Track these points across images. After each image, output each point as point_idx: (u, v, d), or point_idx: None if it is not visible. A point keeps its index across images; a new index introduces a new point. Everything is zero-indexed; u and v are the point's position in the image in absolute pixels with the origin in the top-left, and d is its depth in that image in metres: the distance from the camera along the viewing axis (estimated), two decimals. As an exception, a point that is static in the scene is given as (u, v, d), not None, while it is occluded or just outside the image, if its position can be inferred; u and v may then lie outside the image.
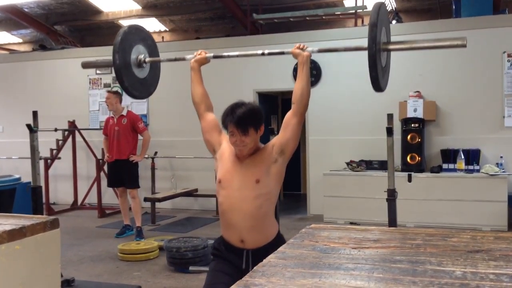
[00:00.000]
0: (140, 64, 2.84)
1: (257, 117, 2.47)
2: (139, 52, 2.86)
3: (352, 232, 1.84)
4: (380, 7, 2.40)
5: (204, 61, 2.81)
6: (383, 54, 2.49)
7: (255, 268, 1.38)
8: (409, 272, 1.31)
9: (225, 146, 2.56)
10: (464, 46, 2.39)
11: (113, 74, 8.73)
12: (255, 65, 7.74)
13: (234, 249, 2.49)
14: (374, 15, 2.35)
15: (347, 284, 1.23)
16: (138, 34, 2.94)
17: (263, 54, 2.71)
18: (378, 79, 2.39)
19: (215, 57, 2.78)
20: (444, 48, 2.55)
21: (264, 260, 1.45)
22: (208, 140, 2.63)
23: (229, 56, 2.77)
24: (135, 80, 2.82)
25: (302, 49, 2.60)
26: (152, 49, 3.02)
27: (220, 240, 2.58)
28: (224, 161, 2.53)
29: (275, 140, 2.52)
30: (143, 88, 2.92)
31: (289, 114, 2.53)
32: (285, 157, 2.51)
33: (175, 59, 3.04)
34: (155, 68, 3.06)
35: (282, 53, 2.71)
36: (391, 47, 2.57)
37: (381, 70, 2.44)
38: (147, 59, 2.89)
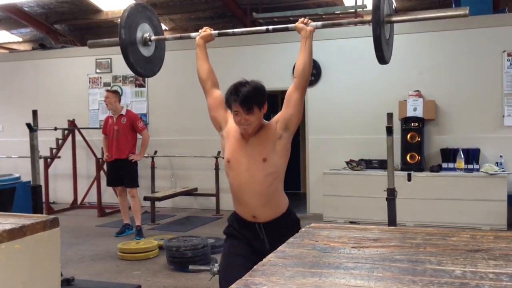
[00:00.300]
0: (145, 42, 2.87)
1: (261, 95, 2.48)
2: (144, 31, 2.88)
3: (352, 231, 1.84)
4: None
5: (209, 38, 2.80)
6: (387, 26, 2.52)
7: (255, 267, 1.38)
8: (409, 271, 1.31)
9: (231, 124, 2.57)
10: (466, 15, 2.40)
11: (113, 73, 8.76)
12: (255, 65, 7.74)
13: (246, 224, 2.55)
14: None
15: (347, 283, 1.23)
16: (145, 13, 2.96)
17: (267, 30, 2.72)
18: (383, 51, 2.42)
19: (220, 34, 2.79)
20: (447, 18, 2.57)
21: (264, 259, 1.45)
22: (215, 117, 2.64)
23: (234, 34, 2.79)
24: (140, 57, 2.85)
25: (306, 24, 2.61)
26: (158, 29, 3.04)
27: (233, 216, 2.64)
28: (230, 140, 2.54)
29: (278, 116, 2.52)
30: (147, 66, 2.95)
31: (290, 89, 2.53)
32: (290, 133, 2.52)
33: (181, 37, 3.08)
34: (160, 48, 3.07)
35: (286, 28, 2.70)
36: (394, 18, 2.59)
37: (385, 42, 2.47)
38: (153, 37, 2.91)
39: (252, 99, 2.40)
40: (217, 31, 2.80)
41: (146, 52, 2.90)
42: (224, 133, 2.59)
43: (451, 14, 2.56)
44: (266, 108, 2.52)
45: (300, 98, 2.51)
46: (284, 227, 2.50)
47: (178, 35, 3.11)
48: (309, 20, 2.61)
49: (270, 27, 2.73)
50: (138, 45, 2.82)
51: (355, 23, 2.81)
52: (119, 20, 2.76)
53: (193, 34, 2.84)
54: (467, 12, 2.40)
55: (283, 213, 2.56)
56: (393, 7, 8.61)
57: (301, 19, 2.63)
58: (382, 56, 2.46)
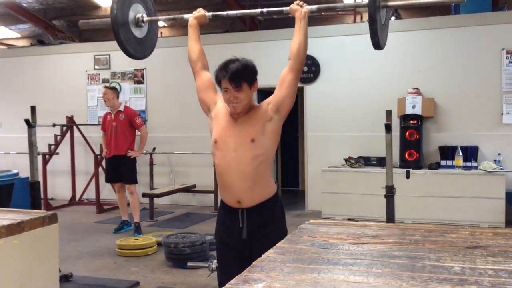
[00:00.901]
0: (138, 23, 2.81)
1: (251, 72, 2.47)
2: (137, 11, 2.83)
3: (351, 228, 1.84)
4: None
5: (203, 19, 2.77)
6: (383, 11, 2.51)
7: (253, 263, 1.38)
8: (407, 268, 1.32)
9: (220, 105, 2.55)
10: (463, 1, 2.45)
11: (112, 70, 8.74)
12: (254, 62, 7.72)
13: (232, 210, 2.51)
14: None
15: (346, 279, 1.23)
16: None
17: (262, 13, 2.71)
18: (378, 36, 2.40)
19: (213, 16, 2.75)
20: (445, 4, 2.57)
21: (263, 255, 1.45)
22: (203, 99, 2.62)
23: (228, 16, 2.76)
24: (131, 36, 2.78)
25: (301, 6, 2.60)
26: (151, 13, 3.00)
27: (221, 203, 2.63)
28: (219, 121, 2.51)
29: (270, 98, 2.51)
30: (138, 47, 2.88)
31: (284, 71, 2.53)
32: (281, 116, 2.49)
33: (174, 18, 3.05)
34: (152, 32, 3.03)
35: (281, 11, 2.68)
36: (390, 3, 2.57)
37: (381, 27, 2.45)
38: (146, 18, 2.86)
39: (241, 75, 2.40)
40: (210, 13, 2.75)
41: (138, 33, 2.85)
42: (213, 114, 2.56)
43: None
44: (257, 86, 2.52)
45: (294, 80, 2.49)
46: (267, 213, 2.48)
47: (171, 16, 3.06)
48: (305, 4, 2.59)
49: (265, 9, 2.70)
50: (130, 24, 2.77)
51: (353, 8, 2.78)
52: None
53: (186, 16, 2.80)
54: None
55: (269, 198, 2.50)
56: None
57: (297, 1, 2.61)
58: (378, 41, 2.44)
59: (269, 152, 2.49)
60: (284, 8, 2.66)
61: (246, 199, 2.46)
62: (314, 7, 2.65)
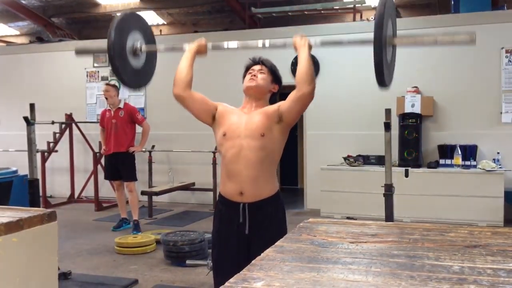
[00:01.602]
0: (135, 52, 2.74)
1: (277, 72, 2.67)
2: (136, 39, 2.75)
3: (350, 226, 1.84)
4: (386, 1, 2.31)
5: (204, 50, 2.71)
6: (389, 49, 2.40)
7: (253, 262, 1.38)
8: (407, 267, 1.32)
9: (224, 107, 2.60)
10: (473, 41, 2.27)
11: (111, 67, 8.73)
12: (253, 59, 7.72)
13: (231, 204, 2.50)
14: (380, 7, 2.25)
15: (345, 278, 1.23)
16: (139, 22, 2.83)
17: (263, 46, 2.64)
18: (384, 75, 2.30)
19: (213, 47, 2.70)
20: (455, 45, 2.45)
21: (262, 254, 1.45)
22: (204, 109, 2.58)
23: (228, 47, 2.69)
24: (127, 64, 2.69)
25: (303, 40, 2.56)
26: (151, 43, 2.90)
27: (219, 199, 2.62)
28: (227, 117, 2.54)
29: (281, 102, 2.53)
30: (133, 77, 2.74)
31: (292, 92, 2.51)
32: (284, 124, 2.50)
33: (173, 49, 2.92)
34: (150, 63, 2.92)
35: (283, 45, 2.65)
36: (397, 41, 2.48)
37: (387, 65, 2.35)
38: (144, 47, 2.78)
39: (269, 64, 2.63)
40: (211, 43, 2.70)
41: (135, 62, 2.73)
42: (217, 115, 2.56)
43: (457, 39, 2.42)
44: (276, 89, 2.65)
45: (297, 98, 2.43)
46: (268, 210, 2.49)
47: (170, 46, 2.98)
48: (308, 39, 2.54)
49: (267, 42, 2.62)
50: (127, 52, 2.67)
51: (357, 44, 2.69)
52: (111, 24, 2.61)
53: (185, 46, 2.73)
54: (474, 38, 2.27)
55: (270, 195, 2.51)
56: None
57: (299, 35, 2.57)
58: (383, 80, 2.33)
59: (276, 152, 2.52)
60: (287, 40, 2.59)
61: (249, 190, 2.45)
62: (318, 40, 2.60)
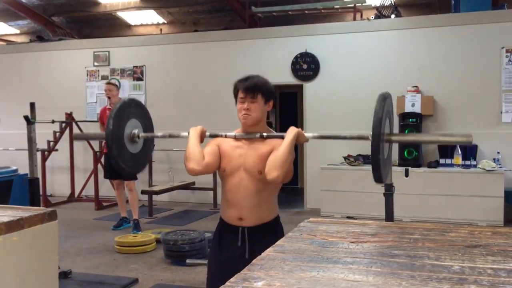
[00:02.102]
0: (133, 138, 2.73)
1: (269, 89, 2.53)
2: (134, 127, 2.76)
3: (350, 226, 1.84)
4: (386, 98, 2.35)
5: (203, 136, 2.63)
6: (386, 145, 2.45)
7: (253, 261, 1.38)
8: (407, 267, 1.32)
9: (222, 144, 2.56)
10: (469, 143, 2.32)
11: (111, 66, 8.73)
12: (253, 60, 7.72)
13: (231, 228, 2.51)
14: (379, 108, 2.29)
15: (345, 278, 1.23)
16: (137, 109, 2.85)
17: (261, 136, 2.51)
18: (380, 171, 2.32)
19: (211, 136, 2.62)
20: (449, 144, 2.45)
21: (262, 254, 1.45)
22: (217, 162, 2.54)
23: (226, 136, 2.57)
24: (125, 151, 2.70)
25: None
26: (148, 128, 2.92)
27: (219, 222, 2.62)
28: (227, 155, 2.52)
29: (276, 144, 2.46)
30: (131, 162, 2.77)
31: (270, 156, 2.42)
32: None
33: (170, 136, 2.90)
34: (147, 147, 2.94)
35: (280, 137, 2.50)
36: (394, 138, 2.53)
37: (383, 161, 2.38)
38: (141, 134, 2.77)
39: (259, 87, 2.47)
40: (209, 133, 2.62)
41: (133, 148, 2.76)
42: (221, 152, 2.54)
43: (454, 140, 2.44)
44: (271, 106, 2.56)
45: (267, 179, 2.37)
46: (268, 234, 2.45)
47: (168, 133, 2.95)
48: (301, 131, 2.50)
49: (265, 134, 2.51)
50: (125, 139, 2.70)
51: (354, 138, 2.65)
52: (110, 112, 2.63)
53: (183, 133, 2.71)
54: (471, 140, 2.30)
55: (270, 220, 2.53)
56: (392, 2, 8.55)
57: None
58: (379, 177, 2.35)
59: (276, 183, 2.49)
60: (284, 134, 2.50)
61: (249, 217, 2.47)
62: (316, 134, 2.62)
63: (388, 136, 2.45)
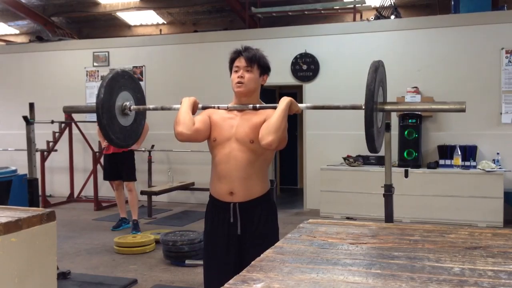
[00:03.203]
0: (124, 111, 2.70)
1: (265, 62, 2.54)
2: (125, 99, 2.72)
3: (350, 227, 1.83)
4: (378, 66, 2.36)
5: (196, 107, 2.58)
6: (379, 114, 2.45)
7: (252, 263, 1.37)
8: (407, 268, 1.31)
9: (213, 114, 2.54)
10: (463, 110, 2.32)
11: (110, 67, 8.72)
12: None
13: (222, 205, 2.51)
14: (371, 76, 2.30)
15: (345, 279, 1.23)
16: (130, 82, 2.82)
17: (254, 108, 2.51)
18: (374, 140, 2.34)
19: (203, 107, 2.61)
20: (442, 111, 2.45)
21: (261, 255, 1.44)
22: (207, 130, 2.52)
23: (219, 108, 2.56)
24: (115, 122, 2.67)
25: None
26: (140, 102, 2.88)
27: (209, 200, 2.63)
28: (218, 125, 2.50)
29: (268, 114, 2.44)
30: (121, 134, 2.74)
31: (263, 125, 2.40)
32: None
33: (162, 108, 2.86)
34: (138, 122, 2.90)
35: (274, 107, 2.48)
36: (387, 107, 2.52)
37: (377, 131, 2.39)
38: (133, 107, 2.74)
39: (256, 57, 2.48)
40: (201, 105, 2.61)
41: (123, 121, 2.73)
42: (212, 122, 2.51)
43: (447, 108, 2.46)
44: (265, 81, 2.57)
45: (262, 145, 2.36)
46: (259, 210, 2.48)
47: (159, 106, 2.92)
48: (293, 100, 2.46)
49: (257, 105, 2.50)
50: (116, 110, 2.66)
51: (348, 108, 2.66)
52: (101, 81, 2.59)
53: (175, 106, 2.67)
54: (464, 106, 2.31)
55: (261, 195, 2.50)
56: (392, 3, 8.54)
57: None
58: (374, 147, 2.38)
59: (268, 153, 2.49)
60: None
61: (239, 190, 2.45)
62: (310, 104, 2.64)
63: (381, 105, 2.44)
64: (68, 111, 3.12)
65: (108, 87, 2.60)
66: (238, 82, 2.48)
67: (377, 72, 2.32)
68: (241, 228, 2.46)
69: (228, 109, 2.54)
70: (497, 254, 1.44)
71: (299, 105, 2.49)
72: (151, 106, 2.90)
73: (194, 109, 2.56)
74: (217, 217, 2.55)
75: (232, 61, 2.53)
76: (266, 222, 2.50)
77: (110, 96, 2.62)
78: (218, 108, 2.56)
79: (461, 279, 1.22)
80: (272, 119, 2.35)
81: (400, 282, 1.20)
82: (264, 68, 2.53)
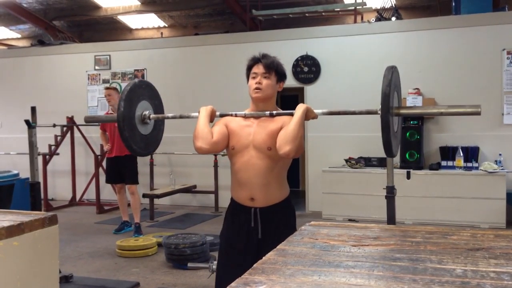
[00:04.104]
0: (144, 120, 2.77)
1: (282, 70, 2.59)
2: (144, 108, 2.79)
3: (352, 229, 1.83)
4: (393, 71, 2.35)
5: (213, 116, 2.62)
6: (395, 119, 2.45)
7: (254, 265, 1.37)
8: (409, 270, 1.31)
9: (230, 123, 2.56)
10: (478, 113, 2.29)
11: (112, 70, 8.74)
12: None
13: (243, 208, 2.54)
14: (387, 79, 2.30)
15: (347, 282, 1.23)
16: (147, 90, 2.89)
17: (271, 114, 2.52)
18: (391, 144, 2.31)
19: (221, 115, 2.63)
20: (457, 115, 2.43)
21: (264, 257, 1.44)
22: (225, 141, 2.55)
23: (236, 115, 2.56)
24: (136, 133, 2.74)
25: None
26: (158, 110, 2.95)
27: (230, 203, 2.64)
28: (236, 133, 2.53)
29: (285, 121, 2.46)
30: (142, 143, 2.80)
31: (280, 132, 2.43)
32: None
33: (180, 117, 2.92)
34: (158, 129, 2.97)
35: (290, 114, 2.49)
36: (403, 111, 2.52)
37: (393, 135, 2.37)
38: (152, 116, 2.81)
39: (274, 64, 2.53)
40: (219, 113, 2.63)
41: (143, 130, 2.79)
42: (229, 131, 2.54)
43: (462, 111, 2.44)
44: (282, 87, 2.61)
45: (279, 154, 2.38)
46: (280, 215, 2.52)
47: (178, 114, 2.97)
48: (309, 107, 2.48)
49: (274, 112, 2.52)
50: (136, 121, 2.73)
51: (363, 113, 2.67)
52: (120, 94, 2.65)
53: (193, 114, 2.73)
54: (479, 110, 2.28)
55: (281, 200, 2.55)
56: (393, 4, 8.54)
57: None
58: (390, 151, 2.35)
59: (285, 160, 2.52)
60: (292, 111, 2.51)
61: (260, 196, 2.49)
62: (326, 110, 2.62)
63: (397, 110, 2.44)
64: (89, 121, 3.16)
65: (127, 100, 2.66)
66: (256, 88, 2.51)
67: (392, 76, 2.32)
68: (262, 232, 2.50)
69: (246, 117, 2.56)
70: (499, 256, 1.44)
71: (315, 111, 2.51)
72: (170, 115, 2.95)
73: (212, 118, 2.60)
74: (237, 220, 2.57)
75: (249, 68, 2.58)
76: (285, 227, 2.52)
77: (130, 108, 2.69)
78: (236, 115, 2.58)
79: (463, 280, 1.22)
80: (289, 127, 2.37)
81: (402, 284, 1.20)
82: (281, 75, 2.58)
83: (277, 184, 2.53)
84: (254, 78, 2.52)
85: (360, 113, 2.66)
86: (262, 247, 2.47)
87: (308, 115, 2.45)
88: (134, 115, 2.71)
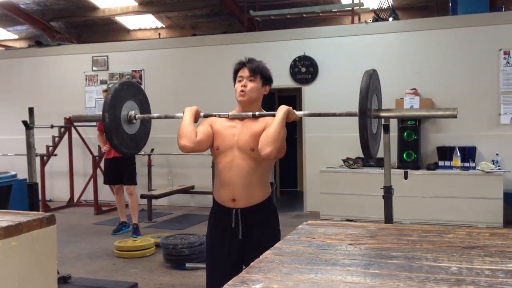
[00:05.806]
0: (130, 120, 2.80)
1: (268, 73, 2.64)
2: (130, 108, 2.81)
3: (349, 228, 1.84)
4: (371, 75, 2.40)
5: (197, 116, 2.67)
6: (374, 121, 2.50)
7: (251, 264, 1.38)
8: (405, 268, 1.32)
9: (215, 123, 2.60)
10: (454, 116, 2.38)
11: (110, 71, 8.74)
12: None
13: (225, 210, 2.57)
14: (365, 83, 2.32)
15: (344, 280, 1.24)
16: (130, 90, 2.88)
17: (253, 116, 2.55)
18: (368, 146, 2.36)
19: (205, 116, 2.67)
20: (435, 117, 2.55)
21: (260, 256, 1.45)
22: (209, 141, 2.57)
23: (220, 116, 2.61)
24: (125, 136, 2.77)
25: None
26: (143, 104, 2.98)
27: (213, 205, 2.68)
28: (220, 134, 2.56)
29: (268, 122, 2.49)
30: (132, 144, 2.85)
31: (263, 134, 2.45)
32: None
33: (165, 117, 2.97)
34: (145, 124, 3.00)
35: (272, 115, 2.52)
36: (382, 114, 2.57)
37: (372, 137, 2.43)
38: (138, 116, 2.83)
39: (259, 68, 2.58)
40: (203, 113, 2.67)
41: (131, 130, 2.82)
42: (214, 131, 2.57)
43: (440, 114, 2.54)
44: (267, 91, 2.66)
45: (261, 155, 2.41)
46: (260, 216, 2.55)
47: (163, 115, 3.00)
48: (290, 108, 2.50)
49: (257, 113, 2.54)
50: (122, 123, 2.76)
51: (343, 115, 2.73)
52: (103, 103, 2.68)
53: (178, 114, 2.75)
54: (455, 113, 2.38)
55: (263, 200, 2.57)
56: (390, 5, 8.55)
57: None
58: (368, 152, 2.40)
59: (268, 161, 2.56)
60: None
61: (241, 197, 2.52)
62: (306, 112, 2.66)
63: (376, 112, 2.49)
64: (77, 121, 3.19)
65: (111, 108, 2.69)
66: (242, 91, 2.56)
67: (370, 80, 2.36)
68: (242, 233, 2.54)
69: (229, 117, 2.60)
70: (494, 254, 1.45)
71: (297, 112, 2.54)
72: (155, 115, 2.99)
73: (196, 118, 2.64)
74: (219, 222, 2.61)
75: (236, 72, 2.64)
76: (266, 226, 2.57)
77: (115, 116, 2.72)
78: (220, 116, 2.62)
79: (458, 278, 1.23)
80: (270, 129, 2.40)
81: (398, 281, 1.21)
82: (266, 79, 2.62)
83: (259, 185, 2.56)
84: (240, 81, 2.58)
85: (340, 115, 2.71)
86: (244, 247, 2.53)
87: (290, 116, 2.49)
88: (120, 121, 2.75)
